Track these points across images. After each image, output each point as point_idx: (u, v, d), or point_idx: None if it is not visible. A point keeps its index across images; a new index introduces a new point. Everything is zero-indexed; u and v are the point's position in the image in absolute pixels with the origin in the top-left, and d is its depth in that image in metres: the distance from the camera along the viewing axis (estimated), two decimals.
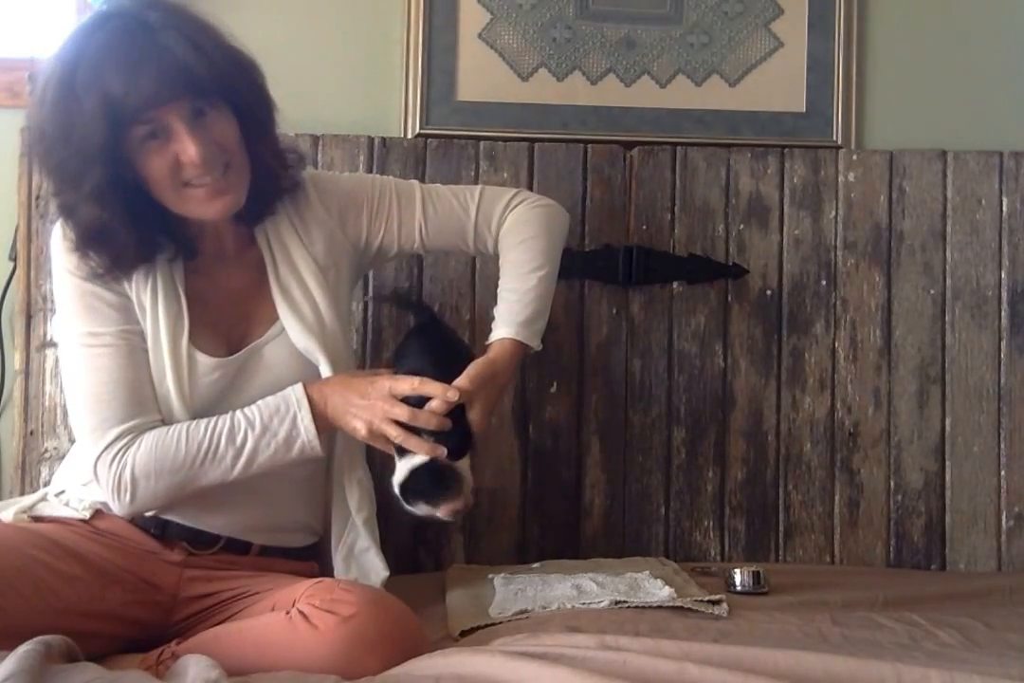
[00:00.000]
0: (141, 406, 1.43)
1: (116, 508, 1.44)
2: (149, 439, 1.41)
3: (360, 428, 1.43)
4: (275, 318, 1.51)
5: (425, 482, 1.42)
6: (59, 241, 1.45)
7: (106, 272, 1.42)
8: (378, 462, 1.59)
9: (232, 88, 1.38)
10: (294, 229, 1.53)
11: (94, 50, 1.33)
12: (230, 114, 1.40)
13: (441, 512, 1.44)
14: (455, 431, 1.43)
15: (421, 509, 1.44)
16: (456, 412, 1.43)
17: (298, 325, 1.49)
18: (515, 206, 1.61)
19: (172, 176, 1.37)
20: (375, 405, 1.42)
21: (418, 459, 1.42)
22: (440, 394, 1.41)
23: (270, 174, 1.48)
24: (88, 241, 1.40)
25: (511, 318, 1.53)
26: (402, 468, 1.43)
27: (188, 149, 1.35)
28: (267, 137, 1.46)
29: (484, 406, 1.46)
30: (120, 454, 1.40)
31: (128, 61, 1.31)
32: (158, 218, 1.42)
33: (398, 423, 1.41)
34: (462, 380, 1.44)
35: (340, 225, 1.56)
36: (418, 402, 1.42)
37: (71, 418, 1.48)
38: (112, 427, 1.41)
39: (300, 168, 1.55)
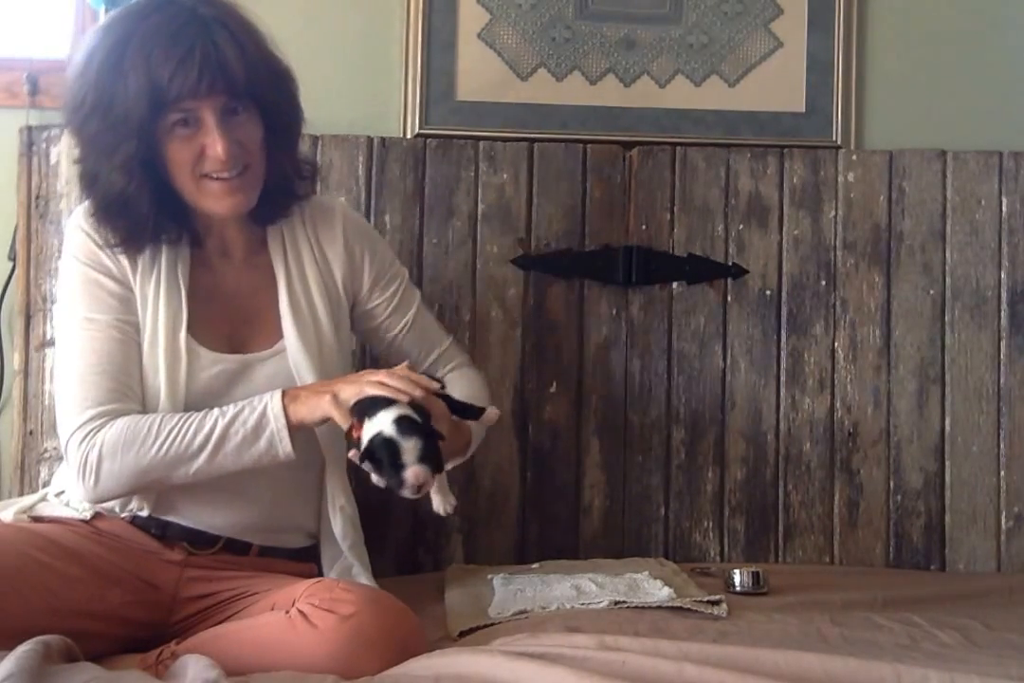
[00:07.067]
0: (122, 393, 1.44)
1: (82, 492, 1.43)
2: (121, 422, 1.41)
3: (337, 394, 1.38)
4: (281, 335, 1.52)
5: (383, 448, 1.32)
6: (76, 220, 1.48)
7: (120, 243, 1.45)
8: (360, 491, 1.57)
9: (266, 94, 1.44)
10: (310, 248, 1.57)
11: (145, 32, 1.38)
12: (258, 118, 1.45)
13: (407, 475, 1.31)
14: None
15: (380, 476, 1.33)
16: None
17: (298, 343, 1.51)
18: (465, 364, 1.70)
19: (194, 165, 1.42)
20: (360, 379, 1.40)
21: (374, 428, 1.33)
22: (425, 382, 1.42)
23: (285, 180, 1.51)
24: (108, 210, 1.44)
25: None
26: (365, 435, 1.34)
27: (215, 144, 1.40)
28: (290, 145, 1.51)
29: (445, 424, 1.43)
30: (91, 434, 1.40)
31: (177, 50, 1.36)
32: (173, 202, 1.45)
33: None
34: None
35: (354, 267, 1.59)
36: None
37: (56, 399, 1.48)
38: (89, 408, 1.41)
39: (314, 179, 1.61)
